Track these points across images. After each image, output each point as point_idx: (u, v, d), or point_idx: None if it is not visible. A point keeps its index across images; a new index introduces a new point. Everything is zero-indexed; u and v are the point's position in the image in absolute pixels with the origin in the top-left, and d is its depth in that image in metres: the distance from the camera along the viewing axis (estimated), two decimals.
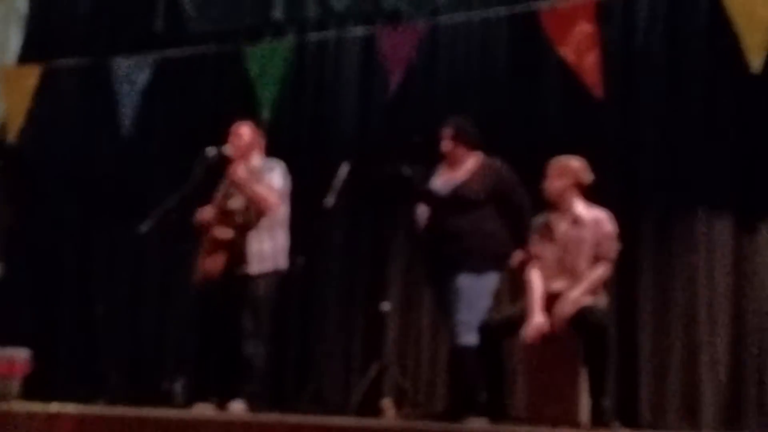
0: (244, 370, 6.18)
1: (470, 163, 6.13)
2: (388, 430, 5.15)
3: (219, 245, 6.26)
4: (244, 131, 6.45)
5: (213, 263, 6.24)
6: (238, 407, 6.06)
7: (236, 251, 6.24)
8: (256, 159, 6.45)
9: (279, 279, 6.34)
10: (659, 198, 6.82)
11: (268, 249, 6.27)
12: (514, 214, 6.03)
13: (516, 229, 6.00)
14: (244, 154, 6.38)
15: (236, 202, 6.32)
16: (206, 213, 6.43)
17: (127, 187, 8.00)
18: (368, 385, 6.37)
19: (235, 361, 6.23)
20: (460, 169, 6.12)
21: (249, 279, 6.22)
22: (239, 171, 6.26)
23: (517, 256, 6.00)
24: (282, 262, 6.34)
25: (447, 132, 6.15)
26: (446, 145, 6.15)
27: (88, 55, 8.04)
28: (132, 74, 7.73)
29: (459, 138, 6.13)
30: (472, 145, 6.16)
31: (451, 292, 5.95)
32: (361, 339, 7.53)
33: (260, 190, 6.26)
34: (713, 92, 6.69)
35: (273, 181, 6.33)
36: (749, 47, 6.22)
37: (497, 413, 5.58)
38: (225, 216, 6.31)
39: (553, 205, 5.77)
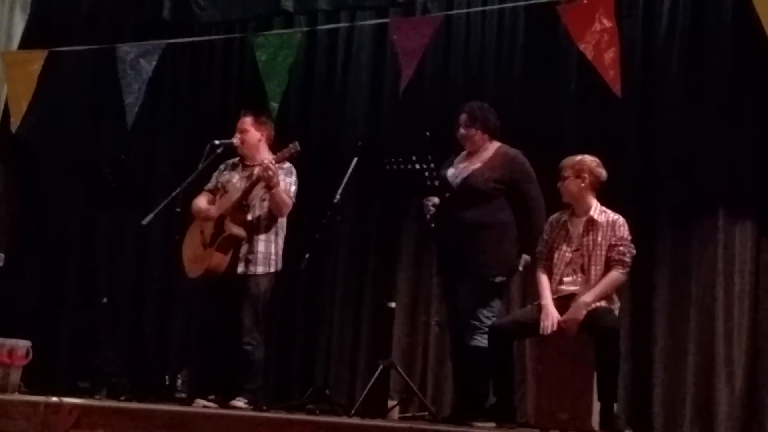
0: (245, 367, 6.18)
1: (488, 152, 5.94)
2: (393, 431, 5.01)
3: (232, 243, 6.21)
4: (249, 126, 6.42)
5: (221, 260, 6.20)
6: (239, 404, 6.03)
7: (242, 250, 6.23)
8: (268, 158, 6.31)
9: (275, 279, 6.36)
10: (677, 197, 6.69)
11: (273, 251, 6.29)
12: (525, 208, 5.84)
13: (526, 225, 5.82)
14: (254, 149, 6.37)
15: (256, 202, 6.27)
16: (203, 203, 6.40)
17: (131, 177, 7.86)
18: (374, 385, 6.22)
19: (237, 358, 6.22)
20: (476, 159, 5.93)
21: (249, 277, 6.22)
22: (273, 173, 6.14)
23: (523, 261, 5.83)
24: (279, 264, 6.34)
25: (462, 118, 5.96)
26: (460, 132, 5.96)
27: (94, 42, 7.91)
28: (138, 62, 7.59)
29: (474, 124, 5.93)
30: (490, 133, 5.96)
31: (461, 290, 5.81)
32: (368, 337, 7.44)
33: (283, 195, 6.24)
34: (736, 88, 6.57)
35: (290, 187, 6.30)
36: None
37: (505, 417, 5.48)
38: (239, 212, 6.25)
39: (569, 206, 5.66)
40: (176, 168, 7.61)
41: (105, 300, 7.74)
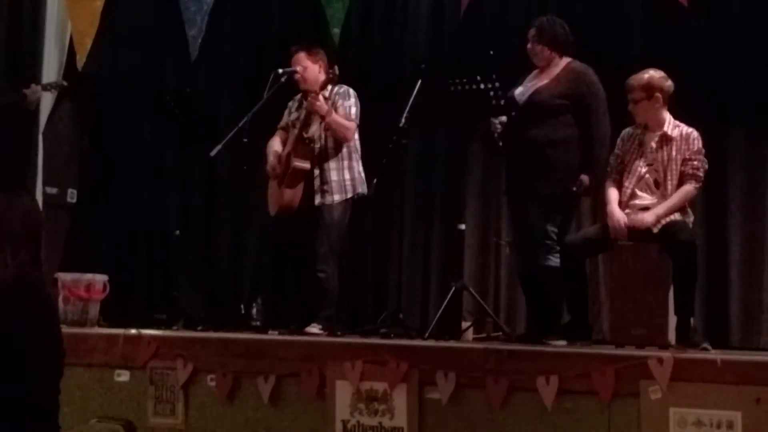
0: (319, 295, 6.19)
1: (557, 68, 5.83)
2: (468, 351, 5.04)
3: (298, 176, 6.24)
4: (304, 61, 6.37)
5: (292, 195, 6.23)
6: (314, 331, 6.04)
7: (314, 181, 6.23)
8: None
9: (355, 204, 6.34)
10: (747, 109, 6.55)
11: (347, 177, 6.27)
12: (588, 124, 5.71)
13: (588, 141, 5.71)
14: (316, 82, 6.30)
15: (314, 132, 6.28)
16: (275, 143, 6.43)
17: (197, 110, 7.90)
18: (447, 307, 6.23)
19: (311, 286, 6.24)
20: (545, 76, 5.84)
21: (326, 206, 6.23)
22: (320, 102, 6.16)
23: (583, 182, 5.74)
24: (360, 187, 6.32)
25: (530, 33, 5.88)
26: (528, 47, 5.87)
27: None
28: None
29: (543, 39, 5.83)
30: (558, 48, 5.85)
31: (529, 209, 5.74)
32: (439, 260, 7.43)
33: (340, 120, 6.20)
34: None
35: (349, 110, 6.27)
36: None
37: (580, 335, 5.46)
38: (303, 146, 6.26)
39: (642, 123, 5.57)
40: (241, 98, 7.62)
41: (177, 232, 7.81)
